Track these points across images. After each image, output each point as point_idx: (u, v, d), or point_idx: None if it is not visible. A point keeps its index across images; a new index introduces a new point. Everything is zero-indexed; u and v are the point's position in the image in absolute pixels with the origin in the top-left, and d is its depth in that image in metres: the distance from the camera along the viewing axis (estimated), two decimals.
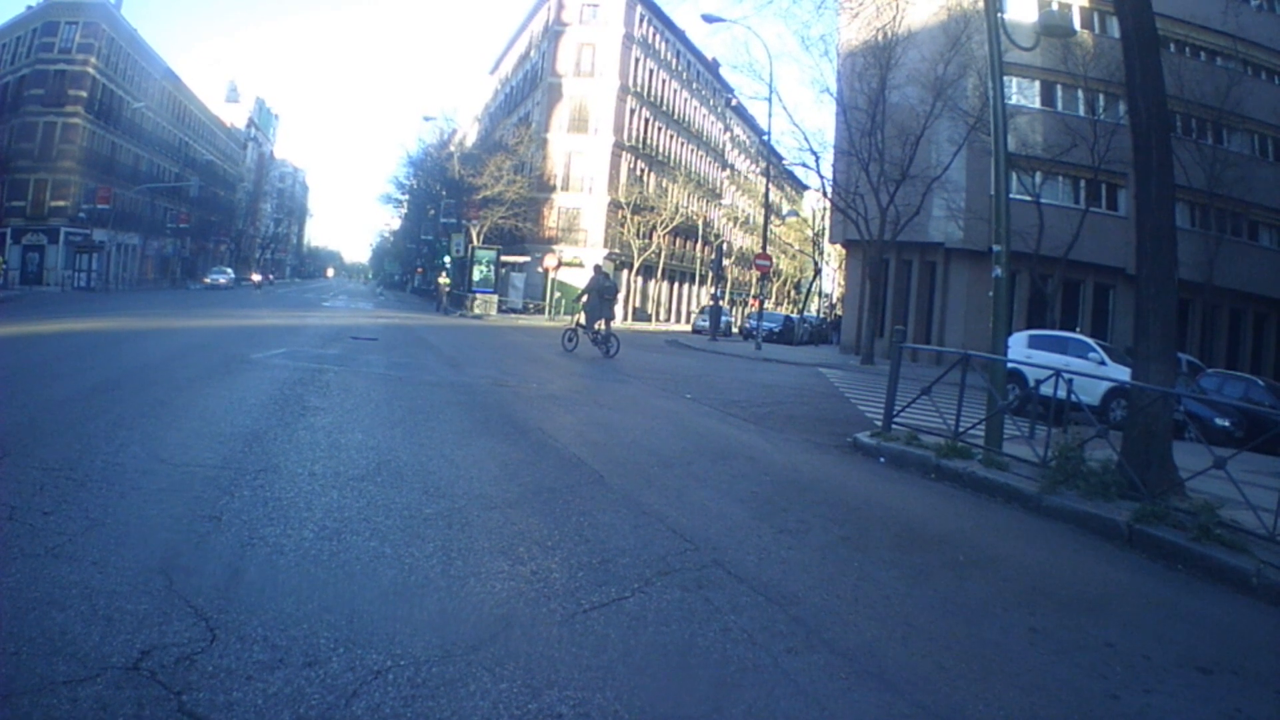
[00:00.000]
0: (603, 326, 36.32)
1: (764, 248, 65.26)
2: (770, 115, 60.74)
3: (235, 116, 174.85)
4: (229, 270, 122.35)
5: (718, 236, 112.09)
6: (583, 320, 37.36)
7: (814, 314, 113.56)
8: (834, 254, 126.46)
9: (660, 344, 56.75)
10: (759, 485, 12.95)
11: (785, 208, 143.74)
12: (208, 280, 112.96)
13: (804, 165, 62.03)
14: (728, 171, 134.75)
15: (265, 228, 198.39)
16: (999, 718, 6.02)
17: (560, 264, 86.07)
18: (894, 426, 18.24)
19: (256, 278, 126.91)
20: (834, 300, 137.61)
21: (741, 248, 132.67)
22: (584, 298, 37.40)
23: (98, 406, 13.69)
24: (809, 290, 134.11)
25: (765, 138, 73.91)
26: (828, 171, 58.51)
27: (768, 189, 74.21)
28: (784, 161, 79.08)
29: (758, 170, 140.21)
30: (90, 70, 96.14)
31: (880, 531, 11.00)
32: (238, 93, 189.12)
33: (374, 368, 23.81)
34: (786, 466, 14.91)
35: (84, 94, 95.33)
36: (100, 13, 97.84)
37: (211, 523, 8.31)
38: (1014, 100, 54.06)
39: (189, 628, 5.90)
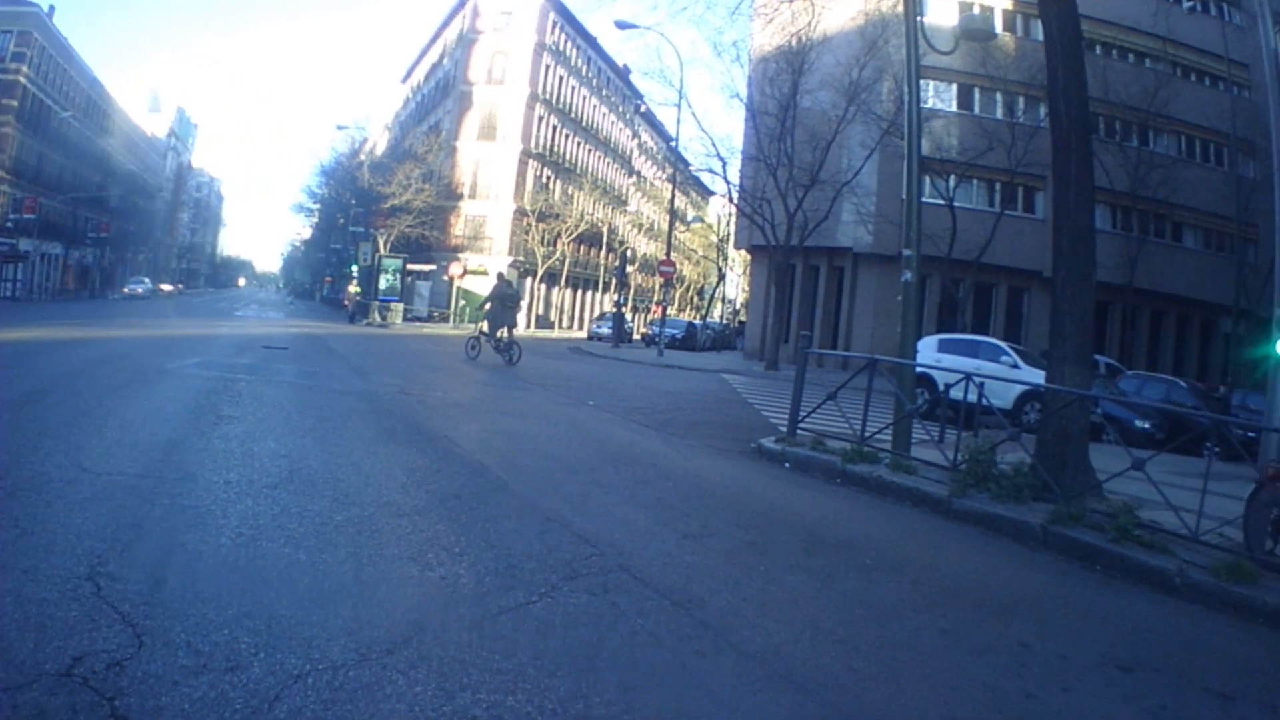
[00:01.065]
0: (505, 334, 36.59)
1: (668, 254, 66.38)
2: (679, 121, 61.30)
3: (156, 126, 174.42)
4: (146, 280, 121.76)
5: (622, 243, 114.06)
6: (485, 328, 37.50)
7: (717, 320, 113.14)
8: (738, 260, 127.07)
9: (563, 351, 57.35)
10: (662, 491, 13.12)
11: (690, 214, 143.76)
12: (126, 290, 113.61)
13: (710, 171, 63.16)
14: (634, 179, 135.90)
15: (182, 237, 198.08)
16: (913, 717, 6.18)
17: (466, 272, 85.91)
18: (799, 432, 18.40)
19: (167, 287, 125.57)
20: (737, 306, 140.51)
21: (645, 254, 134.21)
22: (486, 305, 37.65)
23: (24, 416, 13.74)
24: (712, 296, 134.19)
25: (673, 144, 73.87)
26: (735, 177, 59.06)
27: (673, 195, 75.55)
28: (690, 168, 79.68)
29: (664, 176, 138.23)
30: (22, 80, 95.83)
31: (785, 536, 11.16)
32: (159, 102, 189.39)
33: (284, 376, 23.89)
34: (690, 473, 15.08)
35: (15, 103, 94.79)
36: (34, 21, 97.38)
37: (134, 530, 8.35)
38: (930, 104, 54.49)
39: (117, 634, 6.00)
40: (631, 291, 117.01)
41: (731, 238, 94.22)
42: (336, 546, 8.56)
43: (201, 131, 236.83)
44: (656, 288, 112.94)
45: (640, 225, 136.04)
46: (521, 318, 54.62)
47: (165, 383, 19.93)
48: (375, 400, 20.48)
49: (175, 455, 11.95)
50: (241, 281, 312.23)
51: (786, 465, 16.65)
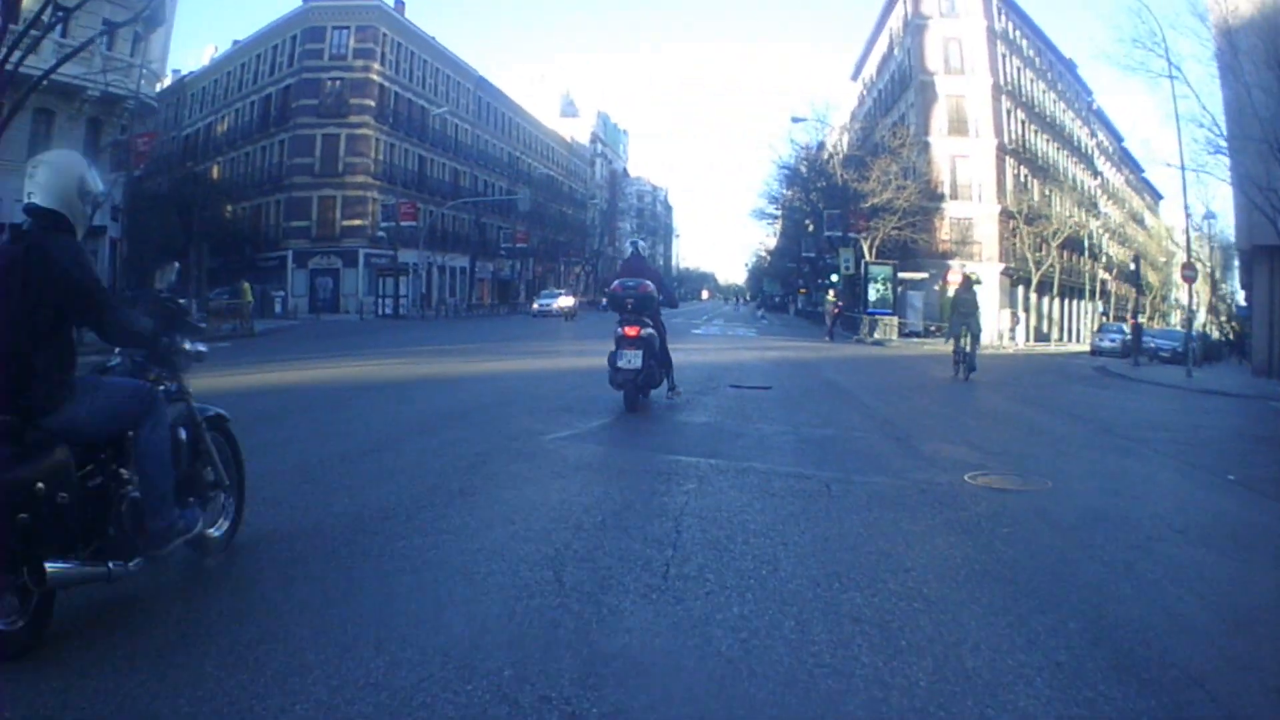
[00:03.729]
0: (967, 344, 34.91)
1: (1188, 256, 59.32)
2: (1175, 98, 52.76)
3: (576, 131, 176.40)
4: (563, 294, 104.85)
5: (1099, 248, 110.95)
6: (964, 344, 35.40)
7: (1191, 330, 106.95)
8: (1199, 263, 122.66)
9: (1087, 372, 49.41)
10: None
11: (1147, 218, 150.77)
12: (536, 306, 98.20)
13: (1220, 152, 53.56)
14: (1098, 180, 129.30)
15: (625, 248, 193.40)
16: None
17: (976, 280, 79.00)
18: None
19: (567, 302, 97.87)
20: (1193, 312, 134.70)
21: (1119, 260, 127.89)
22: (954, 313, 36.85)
23: None
24: (1206, 305, 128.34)
25: (1123, 143, 67.00)
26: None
27: (1185, 187, 70.88)
28: (1142, 171, 75.87)
29: (1123, 178, 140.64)
30: (374, 77, 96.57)
31: None
32: (575, 106, 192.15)
33: (772, 455, 14.85)
34: None
35: (370, 102, 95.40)
36: (376, 15, 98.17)
37: None
38: None
39: None
40: (1112, 300, 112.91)
41: (1190, 241, 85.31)
42: None
43: (633, 140, 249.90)
44: (1133, 297, 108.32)
45: (1111, 229, 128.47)
46: (993, 325, 60.57)
47: (515, 491, 11.28)
48: (960, 520, 10.93)
49: None
50: (705, 295, 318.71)
51: None
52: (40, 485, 6.06)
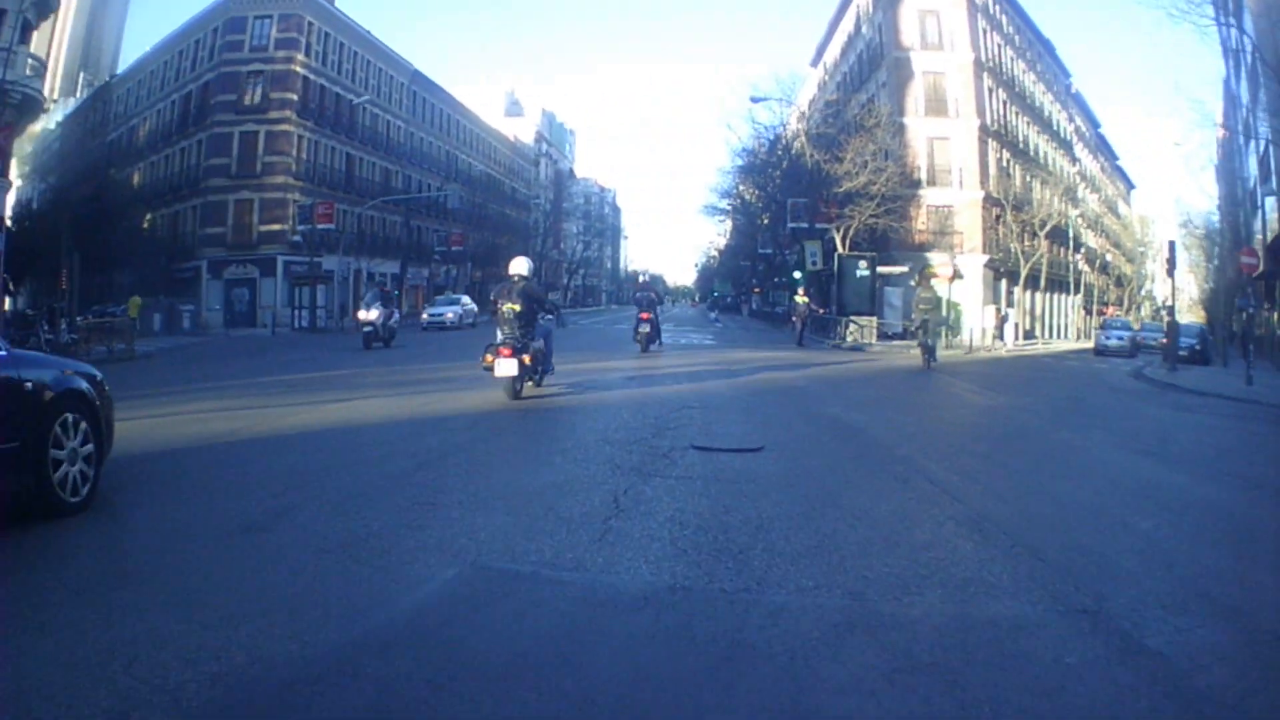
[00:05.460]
0: (930, 339, 40.60)
1: (1263, 237, 55.06)
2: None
3: (520, 130, 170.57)
4: (464, 300, 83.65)
5: (1079, 238, 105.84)
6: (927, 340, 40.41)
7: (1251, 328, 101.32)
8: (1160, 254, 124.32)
9: (1127, 381, 40.75)
10: None
11: (1120, 206, 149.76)
12: (426, 316, 77.88)
13: None
14: (1077, 166, 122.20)
15: (572, 250, 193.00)
16: None
17: (956, 275, 76.43)
18: None
19: (370, 316, 59.53)
20: (1160, 304, 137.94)
21: (1101, 251, 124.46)
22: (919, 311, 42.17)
23: None
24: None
25: (1099, 129, 63.19)
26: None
27: (1244, 148, 62.16)
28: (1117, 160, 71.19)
29: (1098, 165, 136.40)
30: (297, 69, 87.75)
31: None
32: (520, 106, 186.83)
33: None
34: None
35: (293, 96, 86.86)
36: (301, 3, 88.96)
37: None
38: None
39: None
40: (1096, 293, 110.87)
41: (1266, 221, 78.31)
42: None
43: (581, 140, 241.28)
44: (1110, 287, 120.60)
45: (1088, 218, 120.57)
46: (978, 324, 63.10)
47: None
48: None
49: None
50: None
51: None
52: (540, 347, 23.26)
